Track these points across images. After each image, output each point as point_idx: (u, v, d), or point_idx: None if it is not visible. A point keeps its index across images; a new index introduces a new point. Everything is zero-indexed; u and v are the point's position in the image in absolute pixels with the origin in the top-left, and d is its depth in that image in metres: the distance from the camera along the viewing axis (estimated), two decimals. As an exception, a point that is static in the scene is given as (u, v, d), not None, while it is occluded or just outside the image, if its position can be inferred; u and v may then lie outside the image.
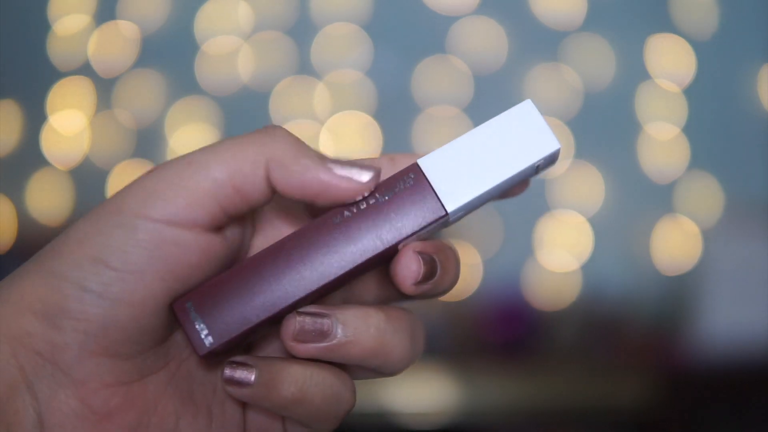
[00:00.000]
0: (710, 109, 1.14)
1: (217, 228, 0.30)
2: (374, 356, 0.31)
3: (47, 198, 1.15)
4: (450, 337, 1.10)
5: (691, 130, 1.13)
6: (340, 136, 1.15)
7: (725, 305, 1.07)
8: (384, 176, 0.32)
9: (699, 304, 1.09)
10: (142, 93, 1.15)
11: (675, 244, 1.12)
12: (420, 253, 0.31)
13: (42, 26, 1.15)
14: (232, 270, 0.30)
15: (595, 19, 1.13)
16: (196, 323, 0.30)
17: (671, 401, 1.05)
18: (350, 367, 0.32)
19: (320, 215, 0.31)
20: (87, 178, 1.15)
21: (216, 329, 0.30)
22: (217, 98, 1.15)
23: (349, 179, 0.30)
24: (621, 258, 1.14)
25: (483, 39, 1.14)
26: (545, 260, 1.12)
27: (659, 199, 1.13)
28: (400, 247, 0.31)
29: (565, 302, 1.12)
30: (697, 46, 1.13)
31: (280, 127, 0.31)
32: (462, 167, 0.31)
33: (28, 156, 1.14)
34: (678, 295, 1.11)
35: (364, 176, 0.30)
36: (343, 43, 1.14)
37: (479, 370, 1.07)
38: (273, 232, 0.33)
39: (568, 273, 1.12)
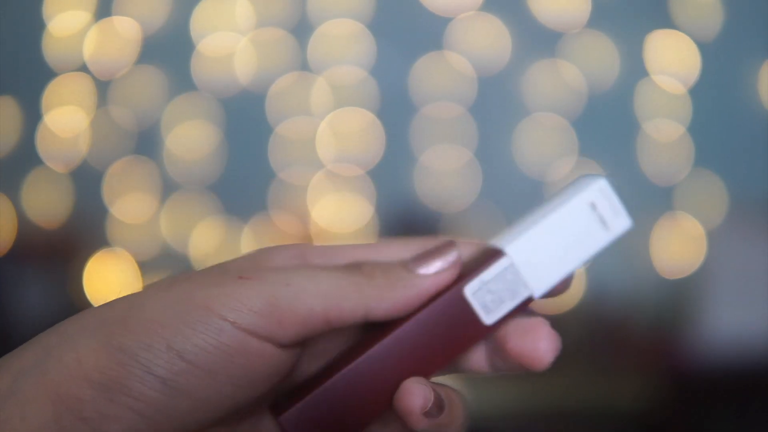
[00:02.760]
0: (714, 109, 1.13)
1: (297, 345, 0.30)
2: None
3: (44, 198, 1.14)
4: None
5: (695, 129, 1.13)
6: (340, 134, 1.14)
7: (728, 306, 1.06)
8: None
9: (702, 306, 1.08)
10: (140, 91, 1.14)
11: (679, 245, 1.12)
12: (426, 385, 0.31)
13: (38, 25, 1.14)
14: (327, 382, 0.30)
15: (598, 18, 1.13)
16: None
17: (674, 403, 1.04)
18: None
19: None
20: (84, 177, 1.14)
21: None
22: (215, 97, 1.14)
23: (446, 271, 0.31)
24: (624, 259, 1.13)
25: (484, 37, 1.13)
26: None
27: (662, 199, 1.13)
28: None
29: (568, 304, 1.11)
30: (701, 45, 1.12)
31: (368, 264, 0.31)
32: (546, 253, 0.32)
33: (25, 156, 1.14)
34: (681, 296, 1.11)
35: (453, 257, 0.32)
36: (343, 41, 1.14)
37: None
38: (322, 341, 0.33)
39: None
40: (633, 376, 1.07)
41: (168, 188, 1.14)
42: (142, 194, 1.14)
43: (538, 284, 0.32)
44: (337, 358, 0.32)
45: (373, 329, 0.33)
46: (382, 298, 0.30)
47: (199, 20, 1.14)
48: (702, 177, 1.12)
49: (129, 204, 1.14)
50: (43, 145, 1.14)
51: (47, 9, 1.14)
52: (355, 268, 0.31)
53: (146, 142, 1.14)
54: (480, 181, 1.13)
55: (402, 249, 0.33)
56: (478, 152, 1.13)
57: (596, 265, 1.11)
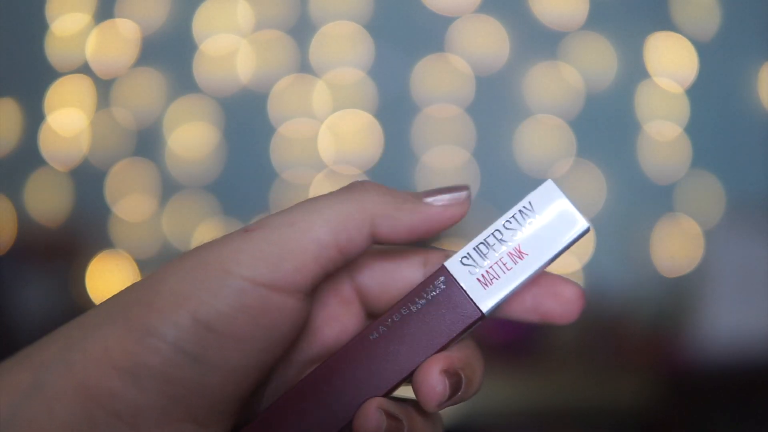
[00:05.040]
0: (712, 109, 1.13)
1: (312, 292, 0.29)
2: None
3: (46, 198, 1.14)
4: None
5: (692, 129, 1.13)
6: (340, 136, 1.14)
7: (727, 305, 1.06)
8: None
9: (700, 305, 1.08)
10: (141, 92, 1.15)
11: (676, 244, 1.12)
12: (446, 371, 0.30)
13: (40, 25, 1.14)
14: (278, 400, 0.30)
15: (596, 19, 1.13)
16: None
17: (672, 402, 1.05)
18: None
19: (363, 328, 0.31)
20: (86, 178, 1.14)
21: None
22: (216, 98, 1.14)
23: (452, 206, 0.30)
24: (622, 258, 1.14)
25: (483, 38, 1.13)
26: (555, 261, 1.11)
27: (661, 199, 1.13)
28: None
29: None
30: (698, 45, 1.13)
31: (371, 182, 0.31)
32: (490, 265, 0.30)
33: (27, 156, 1.14)
34: (679, 295, 1.11)
35: (463, 195, 0.31)
36: (343, 42, 1.14)
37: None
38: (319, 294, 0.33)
39: (570, 273, 1.12)
40: (632, 374, 1.07)
41: (169, 188, 1.14)
42: (144, 194, 1.15)
43: (484, 300, 0.30)
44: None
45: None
46: (387, 216, 0.29)
47: (200, 22, 1.14)
48: (700, 177, 1.12)
49: (131, 204, 1.15)
50: (45, 145, 1.14)
51: (50, 10, 1.14)
52: (359, 186, 0.30)
53: (148, 143, 1.14)
54: (479, 181, 1.13)
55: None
56: (478, 153, 1.14)
57: (595, 263, 1.11)
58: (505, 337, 1.11)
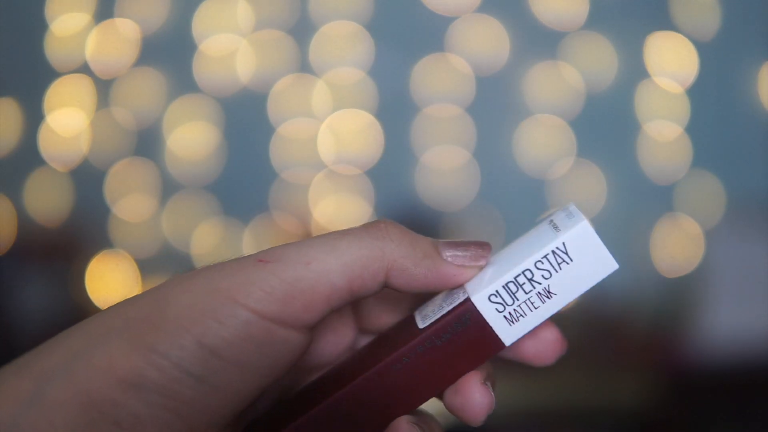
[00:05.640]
0: (712, 109, 1.13)
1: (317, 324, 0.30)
2: None
3: (46, 198, 1.14)
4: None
5: (693, 129, 1.13)
6: (340, 136, 1.14)
7: (727, 306, 1.06)
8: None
9: (701, 305, 1.08)
10: (141, 92, 1.15)
11: (677, 244, 1.12)
12: (486, 379, 0.31)
13: (40, 25, 1.14)
14: (298, 422, 0.30)
15: (596, 19, 1.13)
16: None
17: (672, 402, 1.05)
18: None
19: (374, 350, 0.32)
20: (86, 178, 1.14)
21: None
22: (216, 98, 1.14)
23: (470, 267, 0.31)
24: (622, 258, 1.13)
25: (483, 38, 1.13)
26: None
27: (661, 199, 1.13)
28: None
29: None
30: (699, 45, 1.13)
31: (393, 224, 0.30)
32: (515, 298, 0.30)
33: (27, 156, 1.14)
34: (679, 295, 1.11)
35: (483, 261, 0.31)
36: (343, 42, 1.14)
37: (480, 371, 1.07)
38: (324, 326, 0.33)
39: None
40: (632, 374, 1.07)
41: (169, 188, 1.14)
42: (144, 194, 1.15)
43: (509, 335, 0.30)
44: (319, 382, 0.32)
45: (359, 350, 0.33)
46: (404, 270, 0.30)
47: (200, 21, 1.14)
48: (700, 177, 1.12)
49: (130, 204, 1.15)
50: (45, 145, 1.14)
51: (50, 10, 1.14)
52: (380, 231, 0.30)
53: (148, 143, 1.14)
54: (479, 181, 1.13)
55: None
56: (478, 153, 1.14)
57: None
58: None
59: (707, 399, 1.04)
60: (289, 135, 1.14)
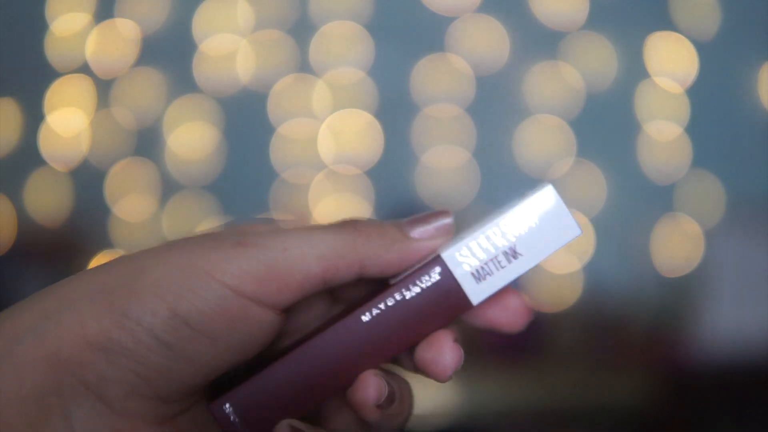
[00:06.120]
0: (712, 109, 1.13)
1: (291, 308, 0.31)
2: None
3: (46, 198, 1.14)
4: (450, 337, 1.09)
5: (692, 129, 1.13)
6: (340, 135, 1.14)
7: (727, 305, 1.06)
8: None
9: (700, 305, 1.08)
10: (141, 92, 1.15)
11: (677, 244, 1.12)
12: (456, 341, 0.31)
13: (40, 25, 1.14)
14: (265, 372, 0.31)
15: (596, 19, 1.13)
16: (234, 425, 0.30)
17: (672, 402, 1.05)
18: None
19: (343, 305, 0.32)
20: (86, 178, 1.14)
21: (255, 427, 0.31)
22: (216, 98, 1.14)
23: (438, 237, 0.32)
24: (622, 258, 1.14)
25: (483, 38, 1.13)
26: (546, 261, 1.11)
27: (661, 199, 1.13)
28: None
29: (566, 303, 1.11)
30: (699, 45, 1.13)
31: (361, 221, 0.32)
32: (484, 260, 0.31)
33: (27, 156, 1.14)
34: (679, 295, 1.11)
35: (447, 224, 0.32)
36: (343, 42, 1.14)
37: (479, 371, 1.07)
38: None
39: (569, 273, 1.12)
40: (632, 374, 1.07)
41: (169, 188, 1.14)
42: (144, 194, 1.15)
43: (476, 294, 0.31)
44: (292, 341, 0.33)
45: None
46: (377, 258, 0.31)
47: (200, 22, 1.14)
48: (700, 177, 1.12)
49: (130, 204, 1.15)
50: (45, 145, 1.14)
51: (50, 10, 1.14)
52: (350, 226, 0.31)
53: (148, 143, 1.14)
54: (479, 181, 1.13)
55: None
56: (478, 153, 1.14)
57: (595, 263, 1.11)
58: (506, 338, 1.11)
59: (707, 398, 1.04)
60: (289, 135, 1.14)
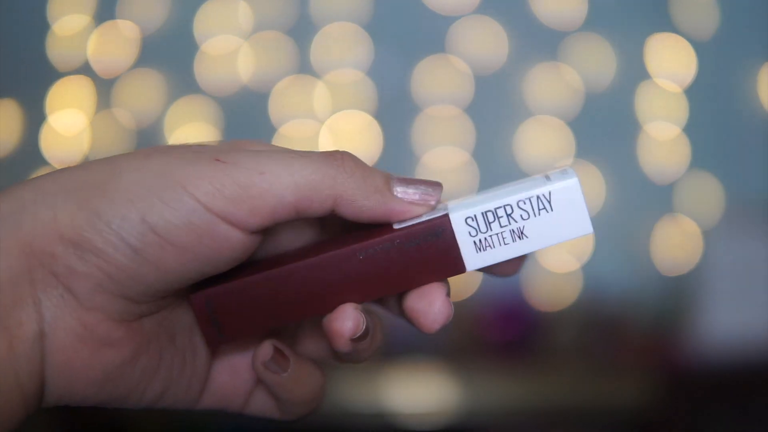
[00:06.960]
0: (711, 109, 1.14)
1: (260, 233, 0.31)
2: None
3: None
4: (450, 337, 1.10)
5: (691, 129, 1.13)
6: (340, 136, 1.15)
7: (726, 305, 1.06)
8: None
9: (700, 304, 1.08)
10: (142, 93, 1.15)
11: (676, 243, 1.12)
12: (448, 296, 0.32)
13: (41, 26, 1.15)
14: (252, 278, 0.31)
15: (595, 19, 1.13)
16: (212, 321, 0.31)
17: (672, 401, 1.05)
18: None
19: (342, 237, 0.32)
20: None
21: (230, 328, 0.31)
22: (216, 98, 1.15)
23: (419, 205, 0.32)
24: (622, 258, 1.14)
25: (483, 39, 1.14)
26: (545, 260, 1.12)
27: (660, 198, 1.13)
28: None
29: (566, 302, 1.12)
30: (697, 45, 1.13)
31: (350, 156, 0.31)
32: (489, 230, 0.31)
33: (28, 156, 1.14)
34: (679, 295, 1.11)
35: (433, 200, 0.32)
36: (343, 43, 1.14)
37: (479, 370, 1.07)
38: (284, 230, 0.34)
39: (569, 273, 1.12)
40: (631, 373, 1.07)
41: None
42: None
43: (472, 261, 0.31)
44: (276, 258, 0.33)
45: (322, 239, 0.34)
46: (353, 200, 0.31)
47: (200, 22, 1.14)
48: (699, 177, 1.13)
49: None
50: (46, 145, 1.14)
51: (51, 11, 1.15)
52: (337, 160, 0.31)
53: (148, 143, 1.15)
54: (479, 181, 1.13)
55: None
56: (478, 153, 1.14)
57: (595, 263, 1.12)
58: (505, 337, 1.11)
59: (706, 398, 1.04)
60: (289, 135, 1.14)
